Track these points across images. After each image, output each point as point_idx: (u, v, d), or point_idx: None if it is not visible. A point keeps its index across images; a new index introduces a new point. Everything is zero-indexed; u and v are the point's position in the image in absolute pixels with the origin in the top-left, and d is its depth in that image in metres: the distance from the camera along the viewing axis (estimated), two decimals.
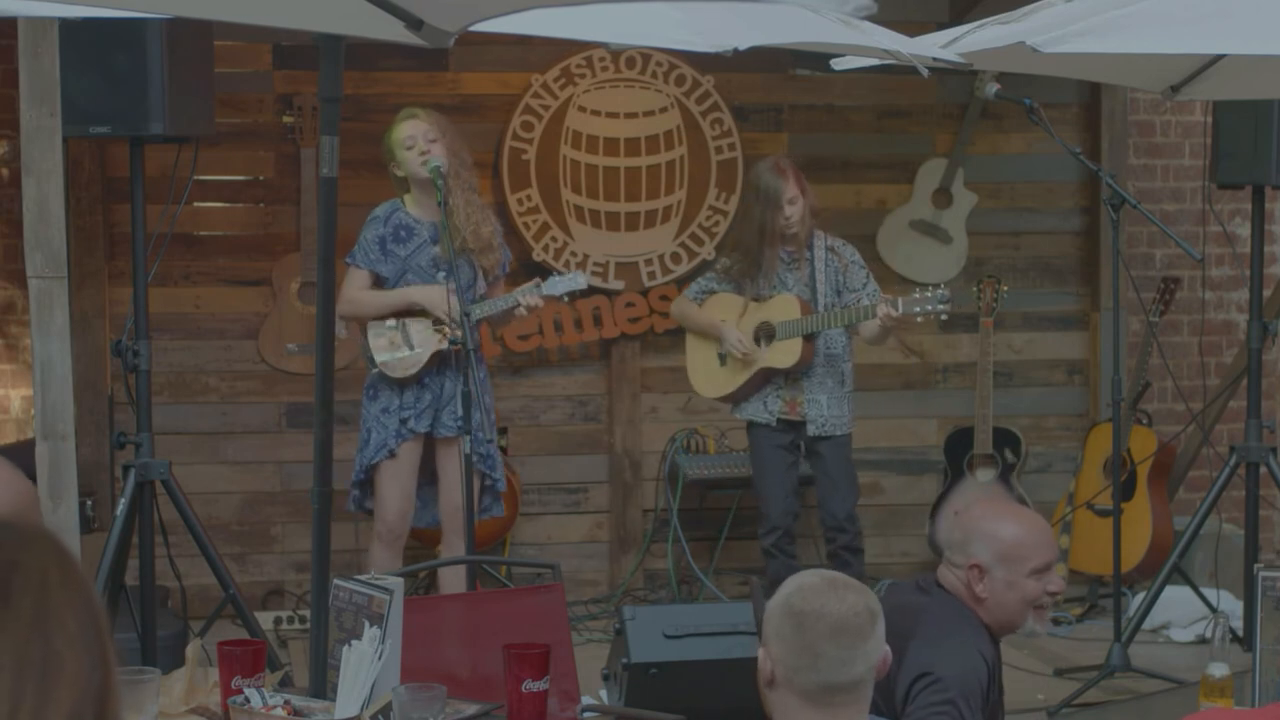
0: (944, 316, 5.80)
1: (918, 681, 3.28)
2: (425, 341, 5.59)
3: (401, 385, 5.61)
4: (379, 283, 5.67)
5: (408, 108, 5.75)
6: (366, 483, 5.71)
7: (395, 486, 5.64)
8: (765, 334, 6.00)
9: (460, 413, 5.54)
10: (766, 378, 6.02)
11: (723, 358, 6.11)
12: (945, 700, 3.24)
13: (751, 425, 6.08)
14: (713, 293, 6.13)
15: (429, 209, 5.62)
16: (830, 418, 5.97)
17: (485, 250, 5.63)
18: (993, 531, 3.45)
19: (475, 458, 5.50)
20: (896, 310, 5.71)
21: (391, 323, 5.61)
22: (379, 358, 5.61)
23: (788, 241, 5.96)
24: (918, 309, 5.72)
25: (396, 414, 5.61)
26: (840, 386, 5.99)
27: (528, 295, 5.57)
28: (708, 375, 6.19)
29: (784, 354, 5.96)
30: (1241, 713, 3.33)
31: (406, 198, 5.69)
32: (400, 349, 5.60)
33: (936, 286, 5.82)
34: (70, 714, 1.39)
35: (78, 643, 1.43)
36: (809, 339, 5.93)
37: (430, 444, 5.68)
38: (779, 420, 6.01)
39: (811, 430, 5.96)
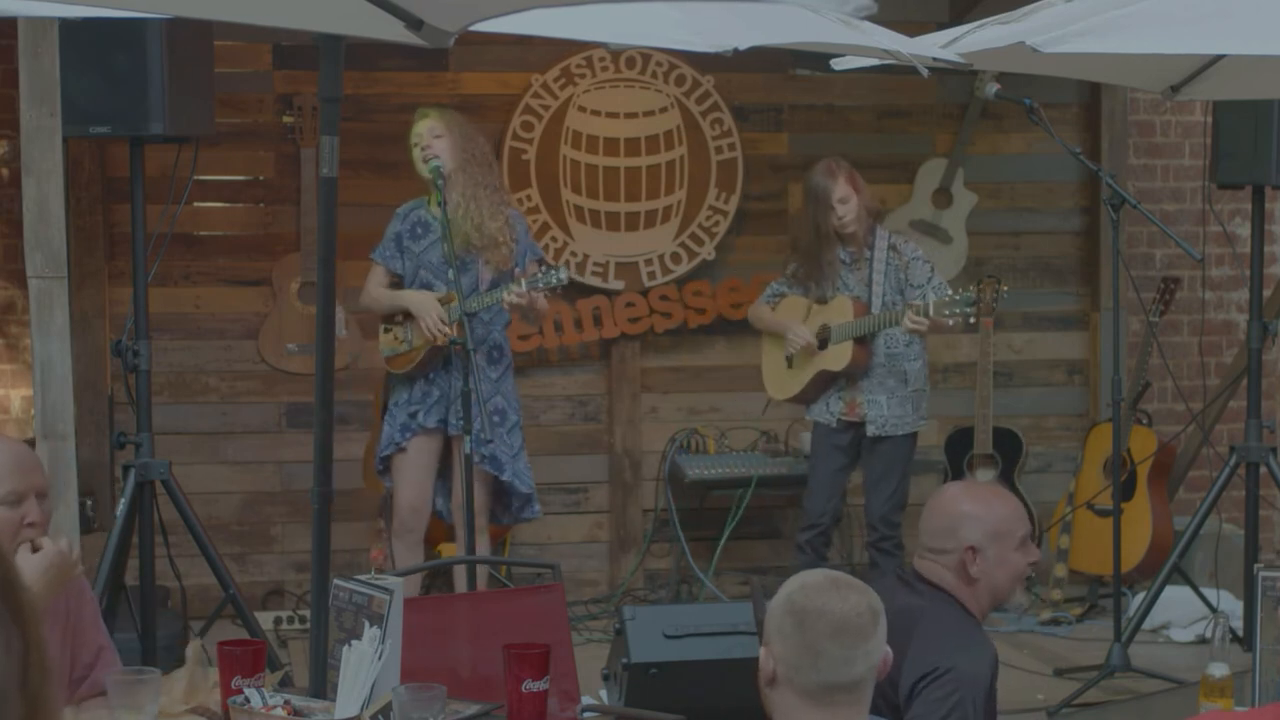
0: (971, 319, 5.81)
1: (925, 679, 3.28)
2: (420, 339, 5.63)
3: (411, 380, 5.68)
4: (396, 279, 5.72)
5: (421, 108, 5.77)
6: (385, 471, 5.79)
7: (406, 481, 5.69)
8: (823, 337, 6.03)
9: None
10: (827, 380, 6.06)
11: (790, 360, 6.16)
12: (953, 694, 3.25)
13: (815, 424, 6.17)
14: (783, 296, 6.20)
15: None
16: (890, 418, 5.98)
17: (490, 246, 5.60)
18: (978, 512, 3.45)
19: (478, 458, 5.52)
20: (928, 315, 5.72)
21: (400, 319, 5.69)
22: (384, 352, 5.76)
23: (846, 241, 5.99)
24: (947, 312, 5.73)
25: (405, 408, 5.67)
26: (903, 386, 6.01)
27: (510, 290, 5.54)
28: (777, 377, 6.26)
29: (836, 357, 6.00)
30: (1241, 714, 3.33)
31: (432, 196, 5.71)
32: (401, 344, 5.67)
33: (966, 289, 5.83)
34: None
35: None
36: (860, 341, 5.95)
37: (449, 441, 5.71)
38: (839, 421, 6.05)
39: (871, 430, 5.99)
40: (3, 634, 1.31)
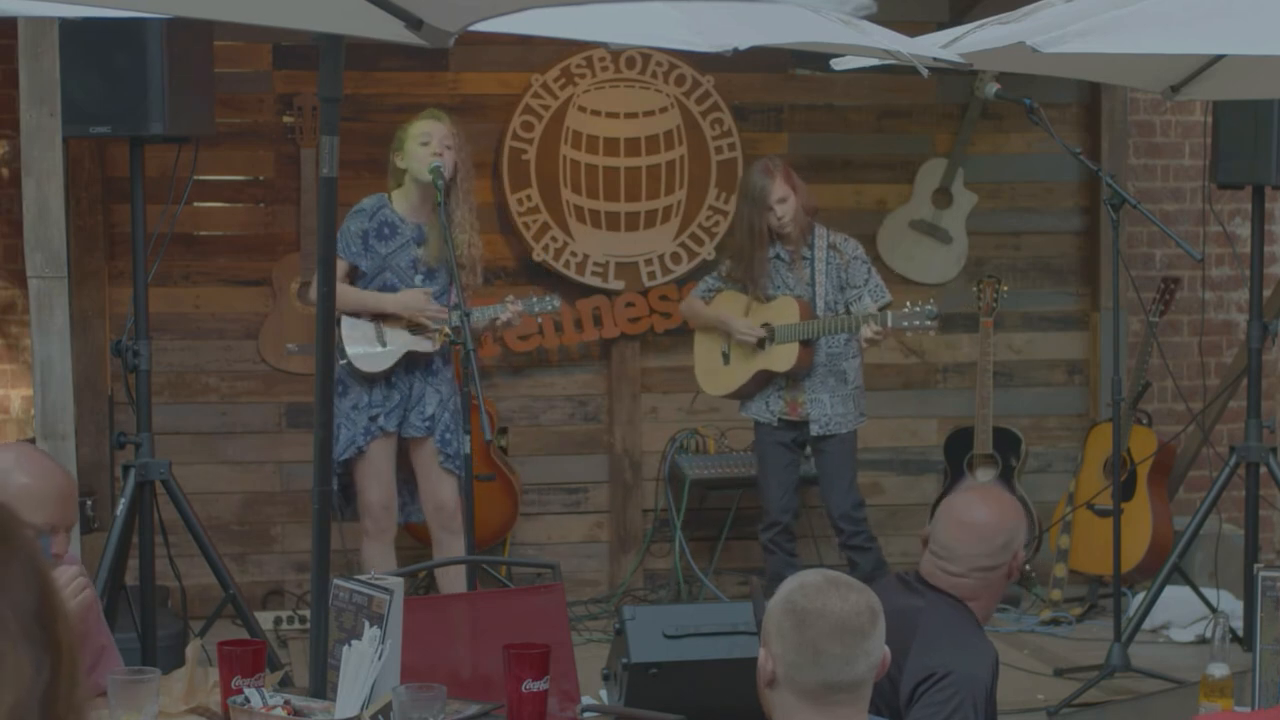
0: (931, 333, 5.82)
1: (925, 682, 3.28)
2: (398, 340, 5.61)
3: (370, 382, 5.63)
4: (357, 275, 5.67)
5: (434, 108, 5.76)
6: (342, 474, 5.67)
7: (374, 482, 5.67)
8: (765, 336, 6.03)
9: (429, 413, 5.59)
10: (767, 378, 6.06)
11: (726, 356, 6.17)
12: (954, 697, 3.25)
13: (756, 423, 6.15)
14: (719, 291, 6.19)
15: (417, 210, 5.64)
16: (833, 416, 5.99)
17: (468, 268, 5.64)
18: (1021, 520, 3.54)
19: (442, 457, 5.57)
20: (886, 325, 5.75)
21: (368, 317, 5.62)
22: (350, 350, 5.61)
23: (785, 241, 5.99)
24: (905, 324, 5.75)
25: (366, 411, 5.63)
26: (843, 384, 6.02)
27: (503, 311, 5.60)
28: (712, 373, 6.25)
29: (781, 357, 6.00)
30: (1242, 715, 3.33)
31: (395, 193, 5.69)
32: (373, 345, 5.61)
33: (926, 302, 5.84)
34: (10, 716, 1.28)
35: (19, 638, 1.31)
36: (806, 344, 5.96)
37: (404, 443, 5.70)
38: (780, 420, 6.04)
39: (815, 430, 6.00)
40: (34, 655, 1.31)
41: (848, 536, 6.04)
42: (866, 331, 5.76)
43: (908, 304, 5.85)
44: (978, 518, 3.49)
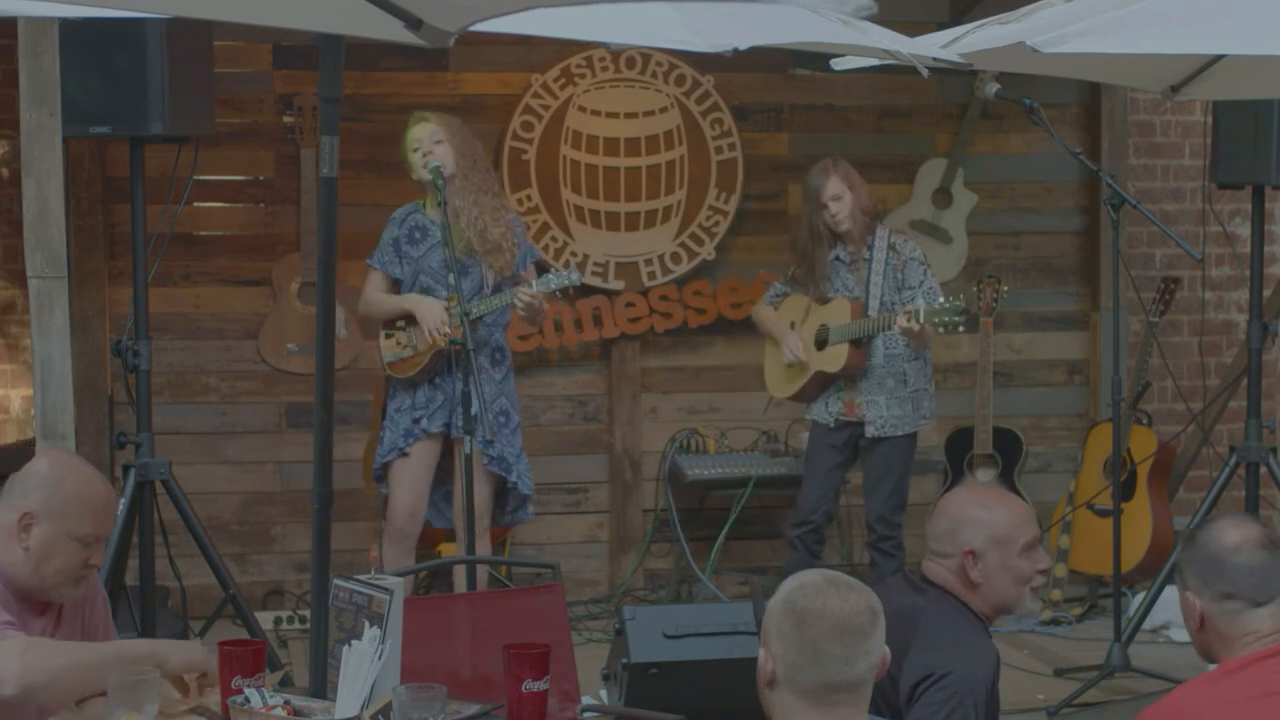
0: (960, 329, 5.78)
1: (924, 682, 3.28)
2: (424, 341, 5.62)
3: (414, 385, 5.65)
4: (395, 284, 5.70)
5: (418, 111, 5.76)
6: (382, 478, 5.75)
7: (405, 486, 5.67)
8: (821, 338, 6.04)
9: (472, 413, 5.59)
10: (826, 380, 6.07)
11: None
12: (953, 697, 3.25)
13: (813, 424, 6.18)
14: (786, 295, 6.21)
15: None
16: (890, 418, 5.98)
17: (493, 252, 5.62)
18: (980, 516, 3.46)
19: (485, 459, 5.53)
20: (918, 322, 5.72)
21: (402, 324, 5.66)
22: (386, 357, 5.71)
23: (845, 240, 5.99)
24: (937, 320, 5.73)
25: (409, 413, 5.64)
26: (902, 386, 6.00)
27: (521, 293, 5.58)
28: (777, 376, 6.29)
29: (832, 359, 6.01)
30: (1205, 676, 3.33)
31: (428, 199, 5.70)
32: (405, 349, 5.65)
33: (956, 297, 5.83)
34: None
35: None
36: (856, 344, 5.95)
37: (450, 445, 5.69)
38: (838, 421, 6.05)
39: (870, 431, 6.00)
40: None
41: (877, 538, 6.04)
42: (902, 320, 5.75)
43: (939, 299, 5.84)
44: (946, 498, 3.56)
